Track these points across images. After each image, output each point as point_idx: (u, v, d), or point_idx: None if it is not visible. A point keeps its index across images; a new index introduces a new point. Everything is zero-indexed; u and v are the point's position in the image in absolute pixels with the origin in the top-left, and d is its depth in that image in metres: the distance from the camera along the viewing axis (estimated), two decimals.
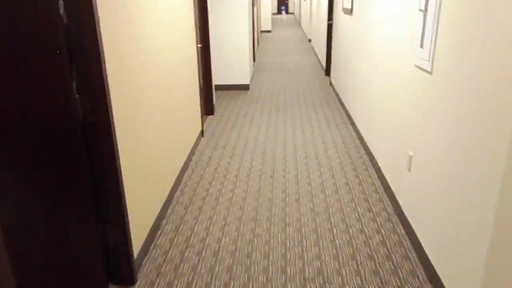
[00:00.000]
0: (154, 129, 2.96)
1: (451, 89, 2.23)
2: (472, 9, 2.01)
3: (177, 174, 3.69)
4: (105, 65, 2.08)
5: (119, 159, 2.27)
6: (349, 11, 5.56)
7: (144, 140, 2.75)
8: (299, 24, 22.84)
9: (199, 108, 4.86)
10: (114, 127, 2.19)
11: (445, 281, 2.28)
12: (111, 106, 2.16)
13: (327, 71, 8.53)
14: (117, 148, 2.25)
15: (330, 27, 8.21)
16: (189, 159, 4.21)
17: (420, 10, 2.69)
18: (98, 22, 2.00)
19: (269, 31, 19.15)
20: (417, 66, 2.78)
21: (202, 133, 5.01)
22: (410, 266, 2.62)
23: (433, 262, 2.46)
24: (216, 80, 7.38)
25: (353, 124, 5.25)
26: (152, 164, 2.94)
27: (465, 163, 2.07)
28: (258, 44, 13.45)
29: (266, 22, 19.23)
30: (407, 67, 3.00)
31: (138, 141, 2.63)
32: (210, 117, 5.90)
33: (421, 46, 2.67)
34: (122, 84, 2.35)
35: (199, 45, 4.87)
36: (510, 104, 1.67)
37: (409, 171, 2.91)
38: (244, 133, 5.13)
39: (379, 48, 3.90)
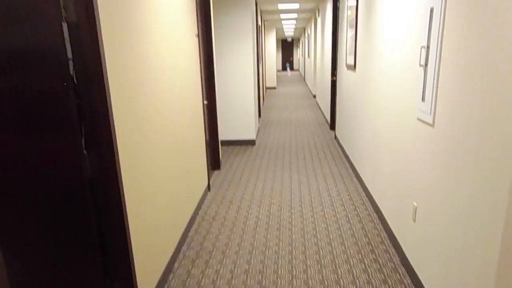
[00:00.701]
0: (161, 185, 3.03)
1: (453, 141, 2.29)
2: (471, 63, 2.11)
3: (183, 229, 3.72)
4: (113, 123, 2.17)
5: (126, 216, 2.32)
6: (353, 67, 5.75)
7: (151, 195, 2.81)
8: (304, 80, 23.31)
9: (205, 163, 4.95)
10: (122, 184, 2.26)
11: None
12: (119, 163, 2.24)
13: (332, 125, 8.68)
14: (125, 205, 2.31)
15: (334, 83, 8.43)
16: (195, 213, 4.25)
17: (421, 65, 2.79)
18: (107, 81, 2.12)
19: (274, 88, 19.54)
20: (419, 119, 2.85)
21: (208, 188, 5.06)
22: None
23: None
24: (222, 135, 7.53)
25: (358, 176, 5.29)
26: (159, 219, 2.98)
27: (468, 213, 2.10)
28: (263, 100, 13.74)
29: (271, 79, 19.59)
30: (409, 120, 3.08)
31: (145, 197, 2.69)
32: (216, 171, 5.97)
33: (423, 99, 2.75)
34: (130, 141, 2.45)
35: (205, 102, 5.02)
36: (511, 156, 1.72)
37: (414, 221, 2.93)
38: (250, 187, 5.18)
39: (382, 102, 4.01)
